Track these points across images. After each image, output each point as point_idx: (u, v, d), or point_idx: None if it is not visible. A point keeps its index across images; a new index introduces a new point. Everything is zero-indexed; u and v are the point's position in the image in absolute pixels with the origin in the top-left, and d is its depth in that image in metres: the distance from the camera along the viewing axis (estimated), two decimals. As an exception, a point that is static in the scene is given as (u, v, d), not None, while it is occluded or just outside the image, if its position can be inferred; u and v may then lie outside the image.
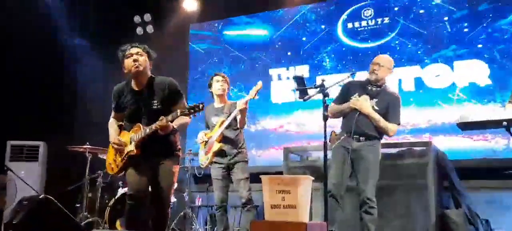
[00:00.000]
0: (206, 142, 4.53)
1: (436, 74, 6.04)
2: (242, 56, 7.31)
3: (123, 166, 3.51)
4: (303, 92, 4.07)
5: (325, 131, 3.69)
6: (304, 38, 6.95)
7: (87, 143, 5.70)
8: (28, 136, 6.98)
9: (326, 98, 3.76)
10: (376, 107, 4.08)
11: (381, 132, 4.12)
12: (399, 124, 4.16)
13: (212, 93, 4.68)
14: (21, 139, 6.98)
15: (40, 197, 4.87)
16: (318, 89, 3.83)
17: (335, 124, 4.42)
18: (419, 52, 6.18)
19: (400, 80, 6.18)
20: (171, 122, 3.35)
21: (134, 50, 3.53)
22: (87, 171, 5.76)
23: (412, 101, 6.05)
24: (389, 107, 4.11)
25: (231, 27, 7.56)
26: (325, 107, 3.72)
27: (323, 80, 3.83)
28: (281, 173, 5.14)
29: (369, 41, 6.48)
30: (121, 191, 5.57)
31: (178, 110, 3.28)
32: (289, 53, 7.03)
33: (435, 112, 5.94)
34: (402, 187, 4.52)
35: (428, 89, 6.07)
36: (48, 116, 7.20)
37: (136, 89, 3.56)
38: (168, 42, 7.38)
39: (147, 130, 3.38)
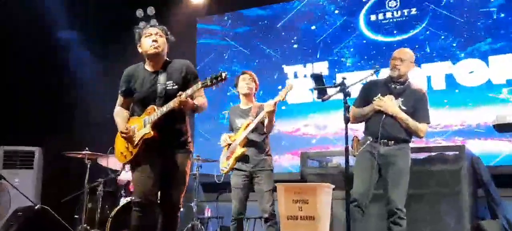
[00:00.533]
0: (229, 145, 4.55)
1: (469, 71, 6.00)
2: (254, 52, 7.32)
3: (138, 152, 3.50)
4: (321, 92, 4.06)
5: (346, 134, 3.68)
6: (321, 31, 6.95)
7: (86, 148, 5.74)
8: (22, 141, 7.06)
9: (348, 98, 3.74)
10: (403, 107, 4.05)
11: (411, 134, 4.10)
12: (429, 123, 4.13)
13: (239, 94, 4.71)
14: (15, 144, 7.06)
15: (36, 207, 4.96)
16: (339, 88, 3.81)
17: (358, 126, 4.41)
18: (453, 44, 6.13)
19: (428, 78, 6.15)
20: (191, 97, 3.38)
21: (153, 30, 3.62)
22: (86, 178, 5.79)
23: (443, 101, 6.01)
24: (417, 105, 4.09)
25: (242, 20, 7.58)
26: (346, 108, 3.71)
27: (343, 78, 3.81)
28: (298, 180, 5.14)
29: (395, 33, 6.47)
30: (123, 200, 5.60)
31: (199, 82, 3.31)
32: (306, 49, 7.04)
33: (469, 113, 5.89)
34: (433, 195, 4.50)
35: (461, 87, 6.02)
36: (44, 119, 7.27)
37: (151, 70, 3.61)
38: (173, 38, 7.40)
39: (164, 109, 3.40)
